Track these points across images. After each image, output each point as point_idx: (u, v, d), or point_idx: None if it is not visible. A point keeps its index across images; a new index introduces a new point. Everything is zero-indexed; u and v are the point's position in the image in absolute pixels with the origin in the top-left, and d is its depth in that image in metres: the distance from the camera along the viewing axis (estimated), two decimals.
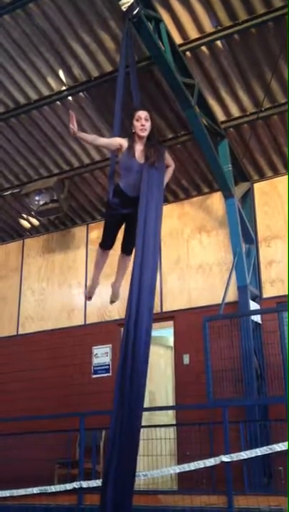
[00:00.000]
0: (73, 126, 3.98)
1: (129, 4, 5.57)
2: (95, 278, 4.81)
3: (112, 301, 5.02)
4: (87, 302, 9.57)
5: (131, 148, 4.16)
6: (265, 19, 6.67)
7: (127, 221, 4.39)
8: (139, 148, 4.17)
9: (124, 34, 5.46)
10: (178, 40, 6.98)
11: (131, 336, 3.74)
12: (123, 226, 4.47)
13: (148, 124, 4.18)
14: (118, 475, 3.50)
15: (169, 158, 4.45)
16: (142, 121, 4.16)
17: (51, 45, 7.43)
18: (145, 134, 4.16)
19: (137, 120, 4.17)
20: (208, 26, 6.92)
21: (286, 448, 5.91)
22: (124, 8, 5.60)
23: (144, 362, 3.73)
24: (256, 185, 8.66)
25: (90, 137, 4.51)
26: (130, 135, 4.22)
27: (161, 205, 4.15)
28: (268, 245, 8.33)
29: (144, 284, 3.84)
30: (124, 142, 4.21)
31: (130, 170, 4.14)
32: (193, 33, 7.02)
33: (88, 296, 4.99)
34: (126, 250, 4.58)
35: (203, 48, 7.14)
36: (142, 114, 4.19)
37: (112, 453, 3.57)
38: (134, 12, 5.62)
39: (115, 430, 3.61)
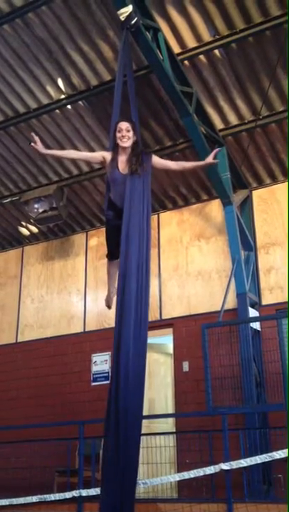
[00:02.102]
0: (37, 145, 4.09)
1: (127, 14, 5.60)
2: (110, 287, 4.83)
3: None
4: (87, 309, 9.61)
5: (114, 160, 4.20)
6: (262, 28, 6.73)
7: None
8: (122, 159, 4.21)
9: (122, 43, 5.49)
10: (176, 49, 7.03)
11: (116, 349, 3.70)
12: None
13: (129, 135, 4.20)
14: (119, 483, 3.48)
15: (162, 161, 4.40)
16: (123, 132, 4.19)
17: (50, 55, 7.47)
18: (126, 144, 4.19)
19: (119, 131, 4.21)
20: (206, 35, 6.97)
21: (286, 455, 5.91)
22: (122, 17, 5.62)
23: (136, 375, 3.67)
24: (255, 193, 8.69)
25: (63, 152, 4.60)
26: (114, 147, 4.26)
27: (147, 213, 4.10)
28: (267, 252, 8.35)
29: (128, 295, 3.79)
30: (107, 155, 4.27)
31: (115, 182, 4.18)
32: (191, 42, 7.08)
33: (107, 305, 4.94)
34: None
35: (201, 56, 7.19)
36: (123, 125, 4.23)
37: (110, 464, 3.53)
38: (133, 22, 5.64)
39: (111, 442, 3.56)
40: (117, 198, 4.17)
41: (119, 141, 4.20)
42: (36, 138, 4.15)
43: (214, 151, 4.48)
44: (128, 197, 4.04)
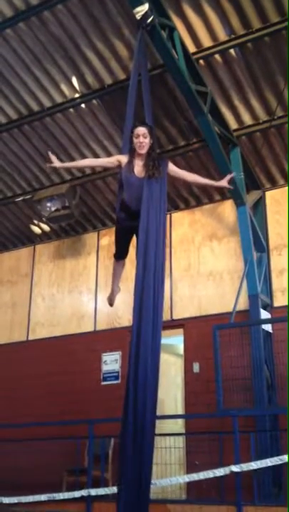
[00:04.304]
0: (53, 161, 4.26)
1: (143, 13, 5.58)
2: (114, 286, 4.86)
3: None
4: (98, 309, 9.60)
5: (130, 163, 4.21)
6: (278, 28, 6.67)
7: (136, 233, 4.40)
8: (139, 163, 4.21)
9: (137, 42, 5.46)
10: (191, 48, 7.00)
11: (133, 350, 3.75)
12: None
13: (146, 141, 4.19)
14: (131, 484, 3.51)
15: (177, 170, 4.42)
16: (140, 139, 4.18)
17: (65, 53, 7.48)
18: (143, 151, 4.19)
19: (136, 137, 4.20)
20: (222, 35, 6.94)
21: None
22: (138, 16, 5.60)
23: (152, 374, 3.72)
24: (268, 194, 8.63)
25: (79, 162, 4.70)
26: (130, 150, 4.27)
27: (164, 218, 4.13)
28: (280, 254, 8.29)
29: (146, 299, 3.82)
30: (122, 158, 4.28)
31: (131, 185, 4.17)
32: (206, 42, 7.04)
33: (110, 303, 5.04)
34: None
35: (217, 56, 7.15)
36: (140, 131, 4.21)
37: (124, 463, 3.56)
38: (148, 20, 5.62)
39: (126, 441, 3.59)
40: (131, 201, 4.17)
41: (136, 148, 4.20)
42: (52, 156, 4.23)
43: (229, 176, 4.60)
44: (145, 201, 4.04)
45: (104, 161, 4.75)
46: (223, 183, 4.56)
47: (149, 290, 3.85)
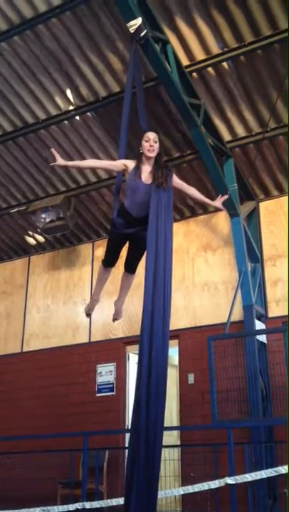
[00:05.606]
0: (57, 159, 4.11)
1: (136, 26, 5.63)
2: (96, 295, 4.80)
3: (114, 319, 4.99)
4: (92, 320, 9.52)
5: (138, 168, 4.17)
6: (271, 41, 6.75)
7: (130, 241, 4.39)
8: (146, 169, 4.18)
9: (131, 55, 5.52)
10: (184, 61, 7.07)
11: (145, 365, 3.69)
12: (126, 245, 4.49)
13: (156, 146, 4.21)
14: (143, 494, 3.48)
15: (179, 181, 4.45)
16: (151, 142, 4.19)
17: (59, 66, 7.53)
18: (153, 154, 4.19)
19: (146, 141, 4.20)
20: (215, 48, 7.01)
21: None
22: (132, 30, 5.65)
23: (163, 382, 3.71)
24: (262, 204, 8.68)
25: (83, 162, 4.61)
26: (138, 156, 4.25)
27: (171, 226, 4.11)
28: (274, 264, 8.32)
29: (157, 309, 3.79)
30: (129, 163, 4.24)
31: (136, 191, 4.14)
32: (199, 55, 7.11)
33: (87, 314, 4.94)
34: (129, 269, 4.57)
35: (210, 69, 7.22)
36: (151, 135, 4.23)
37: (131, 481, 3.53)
38: (142, 34, 5.67)
39: (134, 457, 3.57)
40: (133, 207, 4.16)
41: (146, 151, 4.19)
42: (55, 153, 4.16)
43: (223, 198, 4.73)
44: (154, 208, 4.01)
45: (109, 164, 4.69)
46: (217, 204, 4.68)
47: (160, 298, 3.82)
